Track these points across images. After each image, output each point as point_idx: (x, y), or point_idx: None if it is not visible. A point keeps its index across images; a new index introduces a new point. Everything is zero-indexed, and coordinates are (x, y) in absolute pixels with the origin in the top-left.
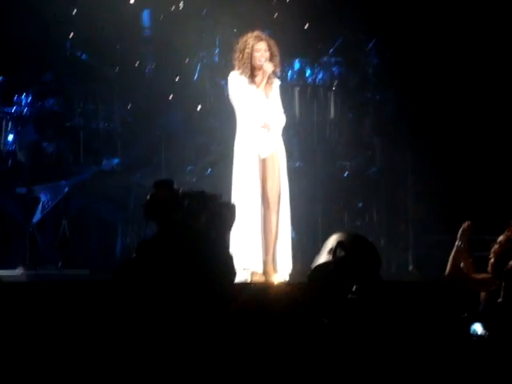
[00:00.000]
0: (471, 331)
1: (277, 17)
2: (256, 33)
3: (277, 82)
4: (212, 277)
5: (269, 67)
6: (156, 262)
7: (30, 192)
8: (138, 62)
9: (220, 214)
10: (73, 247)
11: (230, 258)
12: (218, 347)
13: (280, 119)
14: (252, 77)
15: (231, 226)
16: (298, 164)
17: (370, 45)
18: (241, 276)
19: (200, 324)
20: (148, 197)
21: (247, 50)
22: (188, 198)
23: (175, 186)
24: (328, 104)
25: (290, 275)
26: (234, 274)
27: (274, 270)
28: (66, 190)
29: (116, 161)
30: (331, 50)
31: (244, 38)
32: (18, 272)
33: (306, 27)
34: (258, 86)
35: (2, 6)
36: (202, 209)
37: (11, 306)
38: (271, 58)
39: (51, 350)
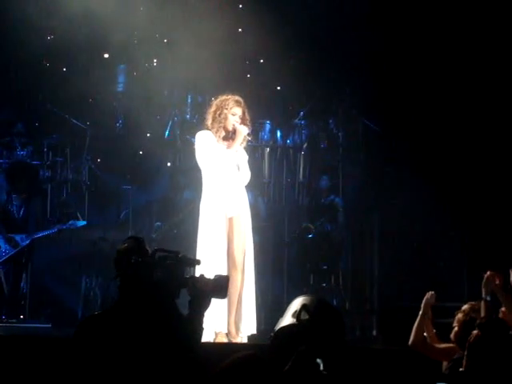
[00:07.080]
0: None
1: (249, 77)
2: (237, 97)
3: (244, 143)
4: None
5: (244, 129)
6: (118, 322)
7: None
8: (109, 117)
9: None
10: (35, 300)
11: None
12: None
13: (246, 179)
14: (224, 138)
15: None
16: (264, 224)
17: (340, 109)
18: (204, 336)
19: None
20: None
21: (225, 111)
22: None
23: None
24: (297, 165)
25: (252, 336)
26: (199, 333)
27: (237, 330)
28: (27, 242)
29: (82, 223)
30: (302, 113)
31: (224, 97)
32: None
33: (278, 89)
34: (228, 147)
35: None
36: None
37: None
38: (243, 124)
39: None
